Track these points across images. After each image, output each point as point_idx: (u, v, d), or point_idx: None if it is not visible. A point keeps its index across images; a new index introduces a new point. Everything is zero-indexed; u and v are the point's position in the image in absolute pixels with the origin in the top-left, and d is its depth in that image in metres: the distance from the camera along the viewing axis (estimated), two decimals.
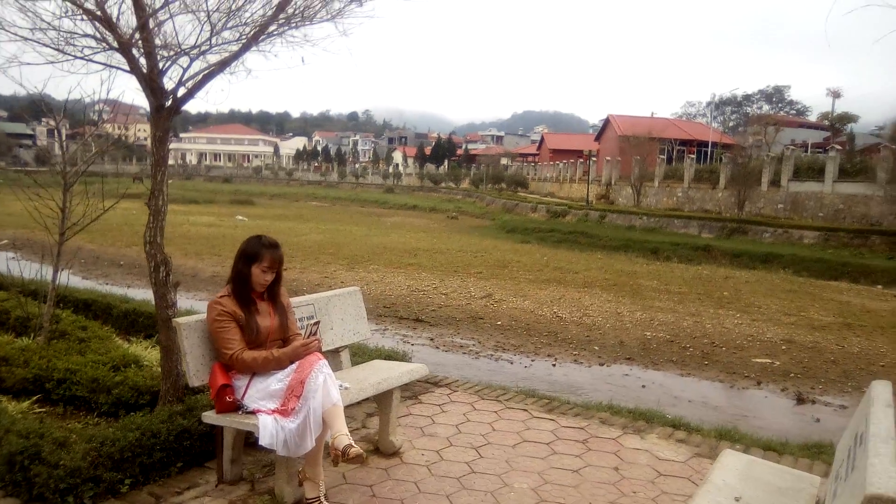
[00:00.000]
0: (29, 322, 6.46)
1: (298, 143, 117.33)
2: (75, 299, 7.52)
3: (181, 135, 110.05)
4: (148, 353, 6.04)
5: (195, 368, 3.72)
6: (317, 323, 3.71)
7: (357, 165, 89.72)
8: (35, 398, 4.98)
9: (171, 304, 4.57)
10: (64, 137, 6.15)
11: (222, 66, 4.48)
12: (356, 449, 3.32)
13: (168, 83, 4.58)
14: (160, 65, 4.50)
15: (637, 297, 14.41)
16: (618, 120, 57.97)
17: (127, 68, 4.49)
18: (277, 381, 3.57)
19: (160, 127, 4.52)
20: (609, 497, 3.95)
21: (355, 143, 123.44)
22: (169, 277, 4.56)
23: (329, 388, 3.46)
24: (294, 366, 3.59)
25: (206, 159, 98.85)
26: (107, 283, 14.23)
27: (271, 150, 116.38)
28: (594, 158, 46.91)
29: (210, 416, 3.68)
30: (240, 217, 32.95)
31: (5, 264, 6.78)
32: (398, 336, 10.36)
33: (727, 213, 31.72)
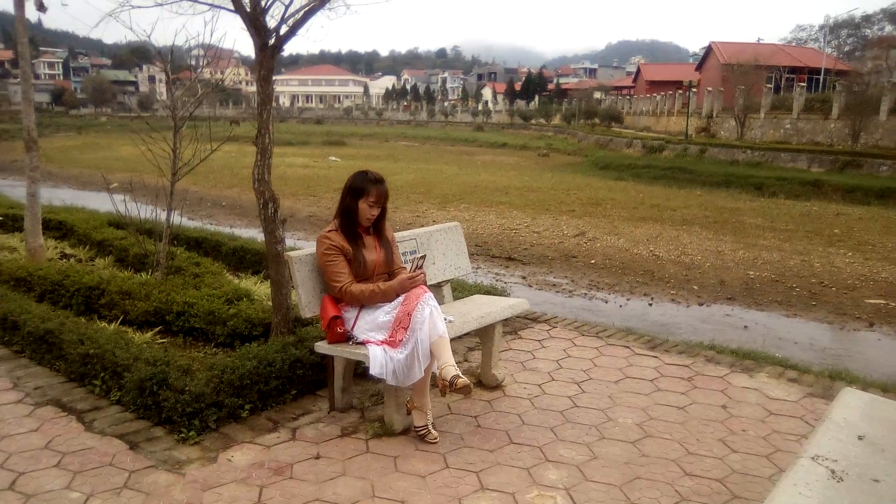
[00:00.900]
0: (146, 259, 6.86)
1: (387, 82, 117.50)
2: (187, 237, 7.91)
3: (274, 77, 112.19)
4: (257, 287, 6.32)
5: (306, 300, 3.85)
6: (422, 257, 3.75)
7: (446, 104, 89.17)
8: (156, 329, 5.32)
9: (280, 240, 4.72)
10: (170, 81, 6.34)
11: (322, 1, 4.47)
12: (464, 380, 3.38)
13: (270, 22, 4.63)
14: (262, 2, 4.55)
15: (739, 235, 13.85)
16: (721, 47, 54.71)
17: (231, 7, 4.56)
18: (385, 314, 3.65)
19: (265, 66, 4.59)
20: (717, 434, 3.87)
21: (444, 81, 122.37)
22: (277, 214, 4.69)
23: (435, 320, 3.51)
24: (401, 298, 3.66)
25: (297, 101, 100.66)
26: (211, 223, 14.89)
27: (361, 90, 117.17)
28: (694, 89, 44.62)
29: (322, 347, 3.81)
30: (333, 158, 33.54)
31: (119, 205, 7.14)
32: (490, 274, 10.40)
33: (839, 146, 29.70)
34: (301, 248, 7.87)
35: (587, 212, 16.73)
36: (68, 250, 8.10)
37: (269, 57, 4.61)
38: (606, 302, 9.14)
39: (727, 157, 30.99)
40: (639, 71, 77.03)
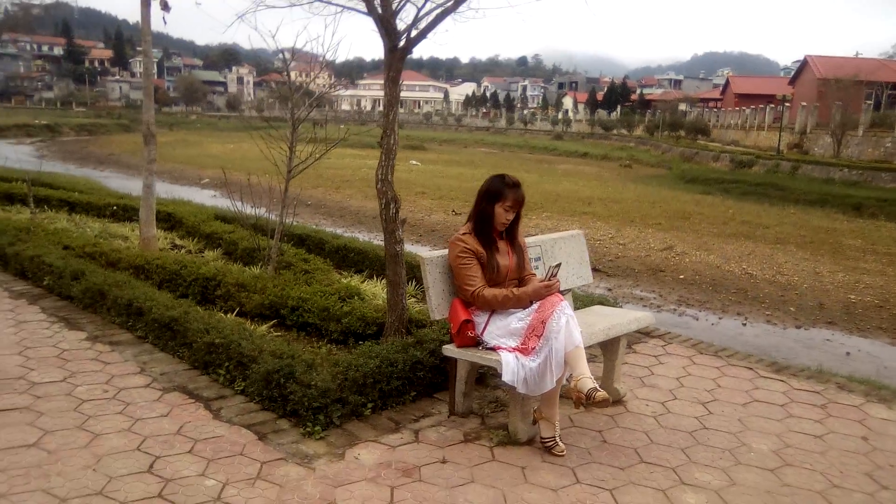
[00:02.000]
0: (255, 253, 7.01)
1: (467, 88, 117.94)
2: (290, 234, 8.05)
3: (357, 82, 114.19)
4: (365, 286, 6.36)
5: (436, 303, 3.82)
6: (558, 265, 3.66)
7: (525, 111, 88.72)
8: (272, 322, 5.41)
9: (399, 240, 4.72)
10: (290, 83, 6.47)
11: (457, 4, 4.45)
12: (602, 393, 3.27)
13: (399, 24, 4.65)
14: (394, 4, 4.57)
15: (838, 257, 13.16)
16: (817, 61, 52.53)
17: (363, 9, 4.60)
18: (518, 320, 3.58)
19: (393, 67, 4.61)
20: (862, 468, 3.63)
21: (524, 89, 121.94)
22: (398, 214, 4.70)
23: (572, 329, 3.42)
24: (535, 305, 3.58)
25: (378, 105, 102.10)
26: (297, 221, 15.20)
27: (441, 96, 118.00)
28: (787, 104, 42.98)
29: (451, 350, 3.77)
30: (413, 162, 33.78)
31: (212, 201, 7.33)
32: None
33: None
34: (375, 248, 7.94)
35: (674, 225, 16.27)
36: (178, 241, 8.38)
37: (398, 59, 4.62)
38: (697, 319, 8.82)
39: (822, 175, 29.66)
40: (727, 83, 74.81)
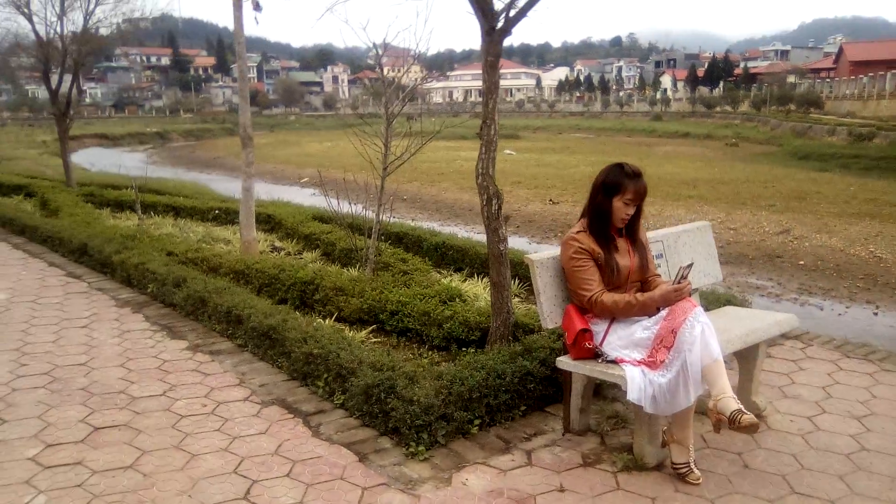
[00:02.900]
0: (353, 254, 6.83)
1: (560, 73, 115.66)
2: (387, 232, 7.84)
3: (448, 73, 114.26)
4: (466, 286, 6.05)
5: (548, 310, 3.44)
6: (689, 266, 3.19)
7: (621, 93, 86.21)
8: (371, 328, 5.19)
9: (503, 239, 4.37)
10: (385, 79, 6.22)
11: None
12: (749, 417, 2.81)
13: (496, 4, 4.28)
14: None
15: None
16: None
17: None
18: (643, 329, 3.15)
19: (491, 51, 4.24)
20: None
21: (619, 70, 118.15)
22: (500, 210, 4.34)
23: (708, 340, 2.96)
24: (663, 313, 3.13)
25: (470, 96, 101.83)
26: (394, 217, 15.11)
27: (533, 82, 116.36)
28: None
29: (566, 363, 3.38)
30: (508, 151, 33.31)
31: (310, 199, 7.19)
32: None
33: None
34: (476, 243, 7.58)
35: (790, 207, 15.13)
36: (277, 243, 8.36)
37: (495, 42, 4.25)
38: (822, 309, 8.07)
39: None
40: (841, 51, 69.83)
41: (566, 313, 3.37)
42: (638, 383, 3.01)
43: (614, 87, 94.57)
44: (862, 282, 9.17)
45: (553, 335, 4.14)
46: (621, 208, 3.27)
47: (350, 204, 7.09)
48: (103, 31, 15.19)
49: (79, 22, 13.40)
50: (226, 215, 10.03)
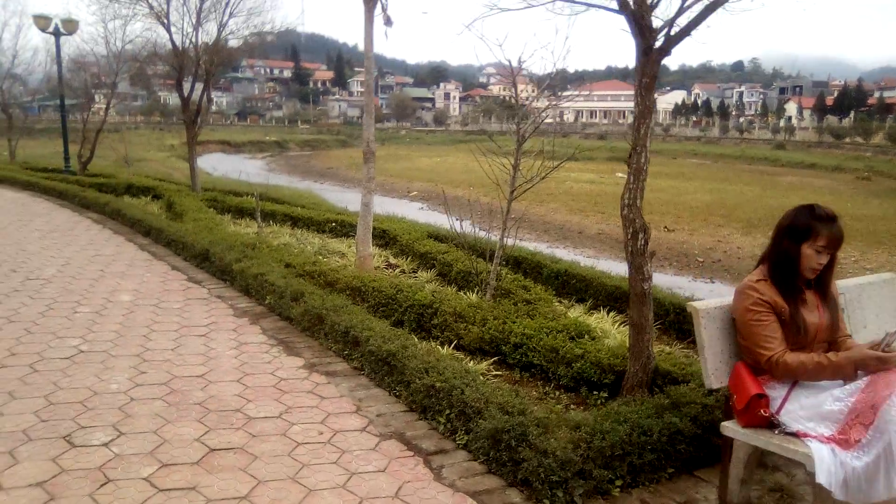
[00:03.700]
0: (471, 277, 6.57)
1: (676, 96, 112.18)
2: (506, 256, 7.53)
3: (559, 93, 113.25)
4: (593, 321, 5.65)
5: (714, 367, 3.01)
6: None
7: (741, 119, 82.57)
8: (492, 360, 4.88)
9: (648, 277, 3.96)
10: (517, 97, 5.94)
11: None
12: None
13: (654, 21, 3.91)
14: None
15: None
16: None
17: (614, 7, 3.92)
18: (834, 400, 2.67)
19: (647, 72, 3.87)
20: None
21: (740, 95, 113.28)
22: (647, 246, 3.95)
23: None
24: (860, 383, 2.65)
25: (582, 117, 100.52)
26: (517, 241, 14.76)
27: None
28: None
29: (734, 430, 2.93)
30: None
31: (418, 213, 6.96)
32: None
33: None
34: (597, 266, 7.10)
35: None
36: (392, 259, 8.22)
37: (652, 62, 3.87)
38: None
39: None
40: None
41: (735, 373, 2.93)
42: (827, 465, 2.54)
43: (734, 113, 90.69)
44: None
45: (701, 386, 3.69)
46: (812, 257, 2.81)
47: (473, 226, 6.85)
48: (233, 43, 15.80)
49: (212, 33, 14.00)
50: (341, 228, 10.03)
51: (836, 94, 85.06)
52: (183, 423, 3.84)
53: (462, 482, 3.31)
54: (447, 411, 3.82)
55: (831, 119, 70.11)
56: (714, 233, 17.20)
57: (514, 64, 5.83)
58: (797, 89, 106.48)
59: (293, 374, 4.67)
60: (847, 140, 58.06)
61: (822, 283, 2.93)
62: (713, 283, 11.38)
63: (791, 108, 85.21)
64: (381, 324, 5.08)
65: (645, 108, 3.92)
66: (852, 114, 70.16)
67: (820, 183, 32.29)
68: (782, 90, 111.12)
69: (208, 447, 3.56)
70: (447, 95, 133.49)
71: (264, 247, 7.87)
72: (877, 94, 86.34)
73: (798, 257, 2.83)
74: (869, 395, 2.58)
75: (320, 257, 8.02)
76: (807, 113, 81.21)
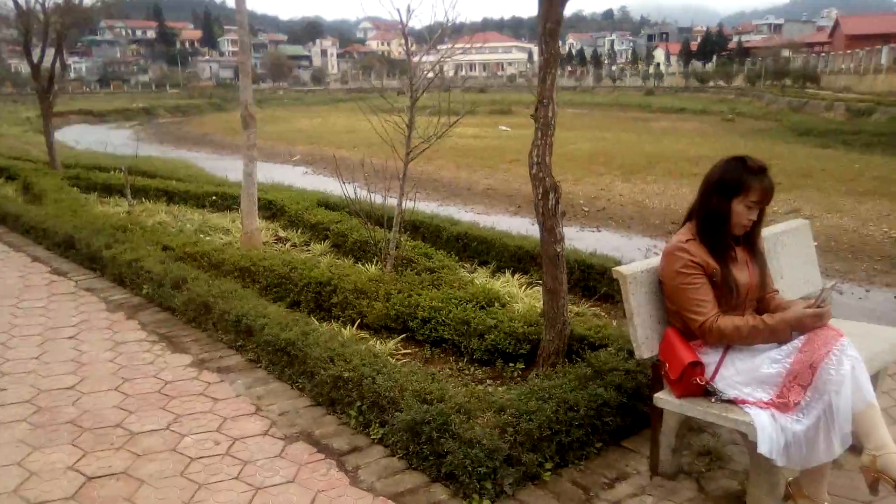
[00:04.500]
0: (369, 246, 6.20)
1: None
2: (403, 221, 7.19)
3: (438, 47, 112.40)
4: (500, 286, 5.44)
5: (644, 335, 2.82)
6: (833, 286, 2.59)
7: (614, 68, 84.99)
8: (399, 338, 4.57)
9: (560, 239, 3.75)
10: (409, 51, 5.54)
11: None
12: None
13: None
14: None
15: None
16: None
17: None
18: (771, 362, 2.54)
19: (551, 17, 3.58)
20: None
21: (611, 44, 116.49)
22: (558, 206, 3.72)
23: (860, 379, 2.38)
24: (797, 342, 2.53)
25: (462, 70, 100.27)
26: (391, 197, 14.42)
27: (525, 56, 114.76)
28: None
29: (668, 401, 2.77)
30: (502, 127, 32.62)
31: (304, 177, 6.52)
32: None
33: None
34: (488, 228, 6.93)
35: (795, 184, 14.56)
36: (281, 233, 7.70)
37: (556, 5, 3.60)
38: (840, 293, 7.58)
39: None
40: (836, 24, 69.17)
41: (666, 340, 2.75)
42: (769, 432, 2.41)
43: (606, 62, 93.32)
44: (879, 263, 8.76)
45: (622, 352, 3.55)
46: (743, 213, 2.65)
47: (367, 190, 6.41)
48: (87, 2, 14.31)
49: None
50: (223, 201, 9.33)
51: (699, 39, 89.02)
52: (53, 449, 3.30)
53: (382, 483, 3.01)
54: (358, 403, 3.49)
55: (696, 64, 73.42)
56: (596, 181, 17.49)
57: (404, 15, 5.43)
58: (664, 36, 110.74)
59: (180, 374, 4.18)
60: (711, 84, 61.09)
61: (750, 239, 2.79)
62: (600, 231, 11.51)
63: (659, 54, 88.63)
64: (276, 308, 4.65)
65: (550, 55, 3.64)
66: (715, 58, 73.75)
67: (689, 126, 33.69)
68: (650, 37, 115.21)
69: (85, 475, 3.06)
70: (324, 53, 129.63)
71: (137, 228, 7.13)
72: (735, 39, 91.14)
73: (729, 214, 2.66)
74: (807, 355, 2.46)
75: (202, 236, 7.37)
76: (674, 59, 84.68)
